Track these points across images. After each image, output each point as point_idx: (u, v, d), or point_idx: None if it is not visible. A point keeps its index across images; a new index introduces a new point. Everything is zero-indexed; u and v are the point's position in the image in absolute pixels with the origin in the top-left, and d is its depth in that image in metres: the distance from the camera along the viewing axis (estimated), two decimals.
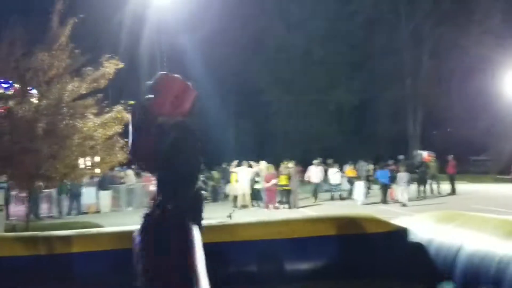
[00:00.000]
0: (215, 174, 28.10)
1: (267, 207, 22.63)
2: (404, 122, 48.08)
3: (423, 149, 43.24)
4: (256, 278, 5.89)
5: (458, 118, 47.03)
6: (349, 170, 27.36)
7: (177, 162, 3.89)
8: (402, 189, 22.44)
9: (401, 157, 26.55)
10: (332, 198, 25.77)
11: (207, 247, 3.95)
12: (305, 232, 6.09)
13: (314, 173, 25.31)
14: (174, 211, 3.84)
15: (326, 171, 27.41)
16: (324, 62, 46.96)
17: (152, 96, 4.08)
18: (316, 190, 25.07)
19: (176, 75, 4.16)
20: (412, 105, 47.52)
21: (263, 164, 24.13)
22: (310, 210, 20.56)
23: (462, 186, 29.14)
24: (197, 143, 4.04)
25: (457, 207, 20.16)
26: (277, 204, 22.79)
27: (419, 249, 5.73)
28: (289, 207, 22.42)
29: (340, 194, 25.98)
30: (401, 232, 6.09)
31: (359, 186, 23.96)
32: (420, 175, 26.34)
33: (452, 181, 27.25)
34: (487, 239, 4.99)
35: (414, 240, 5.90)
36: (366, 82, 47.37)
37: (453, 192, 26.76)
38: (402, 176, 22.74)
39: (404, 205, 21.50)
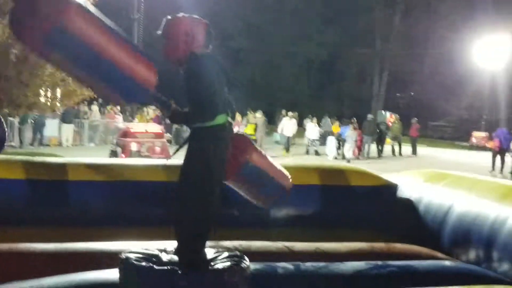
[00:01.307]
0: None
1: None
2: (370, 81, 48.36)
3: (386, 110, 43.81)
4: (240, 221, 5.88)
5: (422, 83, 47.58)
6: (335, 126, 27.30)
7: (192, 91, 3.87)
8: (349, 147, 22.91)
9: (370, 116, 26.87)
10: (307, 153, 25.77)
11: None
12: (294, 179, 6.07)
13: (287, 125, 25.23)
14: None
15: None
16: (296, 13, 46.50)
17: (165, 43, 4.05)
18: (288, 143, 25.00)
19: (180, 14, 4.11)
20: (379, 66, 47.70)
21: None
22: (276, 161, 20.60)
23: (422, 150, 29.67)
24: (214, 69, 3.98)
25: (415, 169, 20.52)
26: None
27: (408, 205, 5.81)
28: None
29: (315, 149, 25.90)
30: (391, 188, 6.15)
31: (330, 142, 24.14)
32: (379, 135, 26.74)
33: (414, 143, 27.79)
34: (479, 201, 5.07)
35: (404, 196, 5.98)
36: (337, 38, 47.21)
37: (414, 154, 27.27)
38: (351, 134, 23.11)
39: (348, 161, 21.83)
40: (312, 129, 26.10)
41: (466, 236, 4.97)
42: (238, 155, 4.27)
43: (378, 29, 46.73)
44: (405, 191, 6.02)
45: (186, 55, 3.93)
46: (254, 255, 4.34)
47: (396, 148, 27.51)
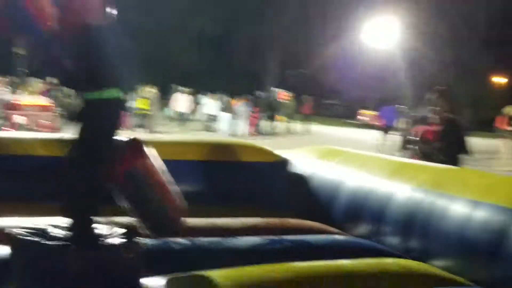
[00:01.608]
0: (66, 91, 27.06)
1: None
2: (263, 59, 48.61)
3: (279, 87, 44.34)
4: None
5: (315, 61, 48.43)
6: (234, 101, 27.25)
7: (82, 60, 3.73)
8: (241, 123, 23.18)
9: (259, 93, 27.26)
10: (204, 129, 25.59)
11: None
12: (189, 155, 5.99)
13: (181, 101, 25.01)
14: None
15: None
16: None
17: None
18: (182, 118, 24.80)
19: None
20: (272, 43, 48.03)
21: None
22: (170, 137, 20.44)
23: (314, 127, 30.34)
24: (109, 41, 3.86)
25: (308, 145, 21.03)
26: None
27: (302, 181, 5.87)
28: (149, 132, 22.21)
29: (211, 125, 25.75)
30: (285, 164, 6.19)
31: (225, 118, 24.18)
32: (271, 112, 27.12)
33: (306, 121, 28.36)
34: (370, 177, 5.20)
35: (297, 172, 6.03)
36: (230, 13, 47.09)
37: (307, 131, 27.83)
38: (243, 110, 23.34)
39: (241, 137, 22.11)
40: (210, 104, 26.03)
41: (358, 211, 5.10)
42: (125, 159, 3.98)
43: (272, 5, 46.97)
44: (299, 167, 6.08)
45: (79, 24, 3.79)
46: None
47: (290, 125, 27.97)
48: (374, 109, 38.10)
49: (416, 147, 6.85)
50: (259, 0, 45.84)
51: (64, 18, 3.83)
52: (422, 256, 4.31)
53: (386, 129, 22.67)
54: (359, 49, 41.95)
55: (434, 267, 4.12)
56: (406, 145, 7.02)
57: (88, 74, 3.72)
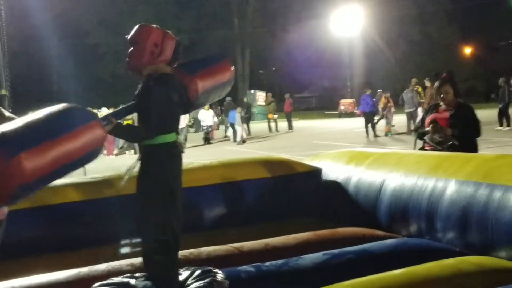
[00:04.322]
0: None
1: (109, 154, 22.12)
2: (233, 61, 48.56)
3: (252, 88, 44.34)
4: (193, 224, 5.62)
5: (283, 58, 48.55)
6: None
7: (150, 109, 3.82)
8: (240, 129, 23.28)
9: (228, 98, 27.20)
10: (206, 142, 25.18)
11: None
12: (233, 176, 5.94)
13: (205, 116, 24.94)
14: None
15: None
16: (150, 2, 45.95)
17: (132, 48, 3.96)
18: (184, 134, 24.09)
19: (153, 25, 4.05)
20: (240, 45, 48.04)
21: (104, 110, 23.36)
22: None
23: (295, 123, 30.32)
24: (172, 94, 3.90)
25: (299, 143, 21.04)
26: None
27: (337, 188, 5.83)
28: (135, 153, 21.99)
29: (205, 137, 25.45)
30: (317, 172, 6.17)
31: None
32: (249, 114, 27.10)
33: (289, 118, 28.36)
34: (411, 175, 5.17)
35: (331, 179, 6.01)
36: (194, 22, 47.09)
37: (290, 128, 27.82)
38: (238, 116, 23.46)
39: (243, 142, 22.41)
40: (205, 115, 25.77)
41: (404, 211, 5.04)
42: None
43: (234, 8, 47.01)
44: (331, 174, 6.05)
45: (148, 66, 3.90)
46: (205, 262, 4.27)
47: (273, 124, 27.96)
48: (351, 97, 38.35)
49: (428, 136, 6.82)
50: (221, 4, 45.83)
51: (133, 60, 3.95)
52: (483, 249, 4.27)
53: (366, 116, 22.25)
54: (326, 39, 42.07)
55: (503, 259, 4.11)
56: (420, 135, 6.99)
57: (150, 121, 3.77)
